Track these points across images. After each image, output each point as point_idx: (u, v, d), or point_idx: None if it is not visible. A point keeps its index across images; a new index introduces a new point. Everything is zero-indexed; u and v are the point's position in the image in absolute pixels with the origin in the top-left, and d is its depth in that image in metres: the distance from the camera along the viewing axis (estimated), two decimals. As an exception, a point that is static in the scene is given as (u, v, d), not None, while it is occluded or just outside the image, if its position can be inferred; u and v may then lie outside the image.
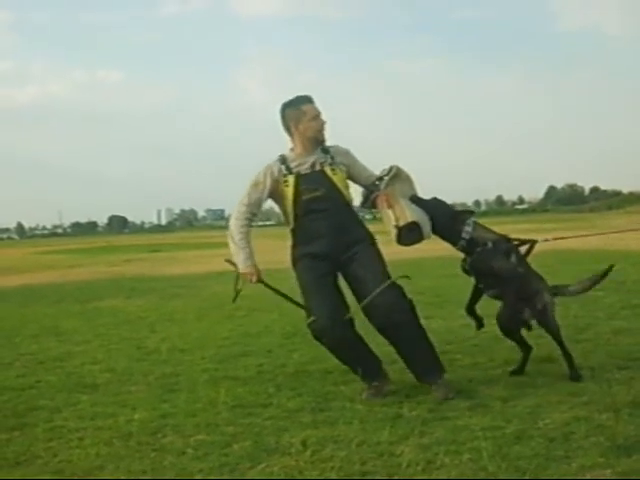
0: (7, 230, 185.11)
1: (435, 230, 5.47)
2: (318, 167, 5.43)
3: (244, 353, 7.14)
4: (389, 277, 5.29)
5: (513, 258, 5.38)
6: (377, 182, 5.50)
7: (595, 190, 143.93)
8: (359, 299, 5.33)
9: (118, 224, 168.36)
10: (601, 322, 7.64)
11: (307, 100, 5.50)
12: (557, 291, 5.50)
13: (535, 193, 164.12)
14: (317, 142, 5.48)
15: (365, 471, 3.78)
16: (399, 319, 5.19)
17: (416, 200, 5.46)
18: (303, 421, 4.70)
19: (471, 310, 5.74)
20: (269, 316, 9.55)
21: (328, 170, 5.43)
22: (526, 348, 5.63)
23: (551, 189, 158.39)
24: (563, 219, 66.57)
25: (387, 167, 5.54)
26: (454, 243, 5.49)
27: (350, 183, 5.61)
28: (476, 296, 5.69)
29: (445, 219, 5.47)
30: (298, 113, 5.44)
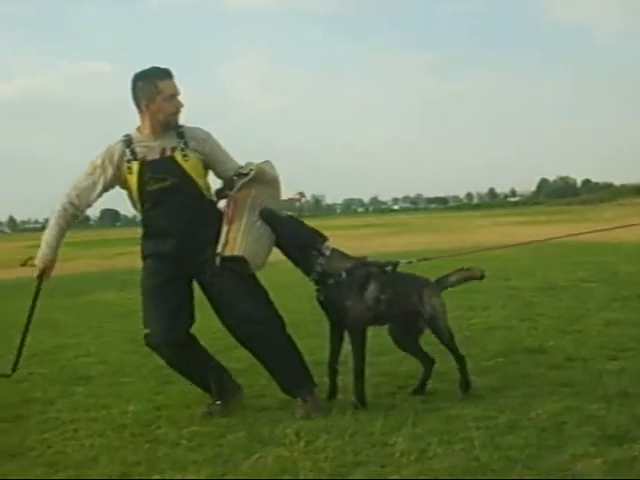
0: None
1: (286, 255, 4.91)
2: (168, 153, 4.71)
3: (238, 345, 7.09)
4: (247, 284, 4.87)
5: (372, 286, 4.77)
6: (235, 178, 4.81)
7: (587, 182, 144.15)
8: (216, 311, 5.05)
9: (110, 218, 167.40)
10: (592, 314, 7.68)
11: (165, 75, 4.71)
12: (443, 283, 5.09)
13: (527, 186, 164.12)
14: (168, 126, 4.75)
15: (358, 461, 3.80)
16: (261, 330, 4.87)
17: (268, 217, 4.76)
18: (296, 412, 4.71)
19: (332, 368, 4.98)
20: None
21: (179, 156, 4.70)
22: (428, 363, 5.17)
23: (543, 182, 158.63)
24: (555, 211, 66.61)
25: (250, 162, 4.86)
26: (307, 274, 4.87)
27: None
28: (336, 347, 4.94)
29: (297, 248, 4.84)
30: (152, 89, 4.66)
